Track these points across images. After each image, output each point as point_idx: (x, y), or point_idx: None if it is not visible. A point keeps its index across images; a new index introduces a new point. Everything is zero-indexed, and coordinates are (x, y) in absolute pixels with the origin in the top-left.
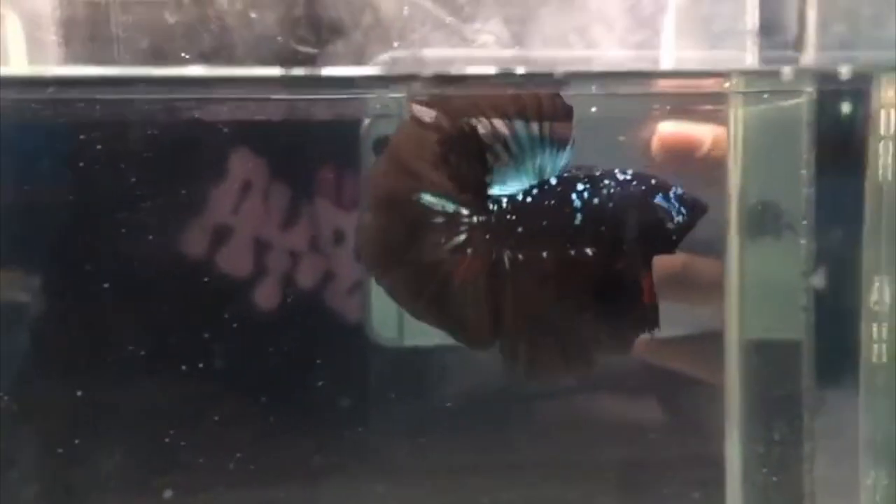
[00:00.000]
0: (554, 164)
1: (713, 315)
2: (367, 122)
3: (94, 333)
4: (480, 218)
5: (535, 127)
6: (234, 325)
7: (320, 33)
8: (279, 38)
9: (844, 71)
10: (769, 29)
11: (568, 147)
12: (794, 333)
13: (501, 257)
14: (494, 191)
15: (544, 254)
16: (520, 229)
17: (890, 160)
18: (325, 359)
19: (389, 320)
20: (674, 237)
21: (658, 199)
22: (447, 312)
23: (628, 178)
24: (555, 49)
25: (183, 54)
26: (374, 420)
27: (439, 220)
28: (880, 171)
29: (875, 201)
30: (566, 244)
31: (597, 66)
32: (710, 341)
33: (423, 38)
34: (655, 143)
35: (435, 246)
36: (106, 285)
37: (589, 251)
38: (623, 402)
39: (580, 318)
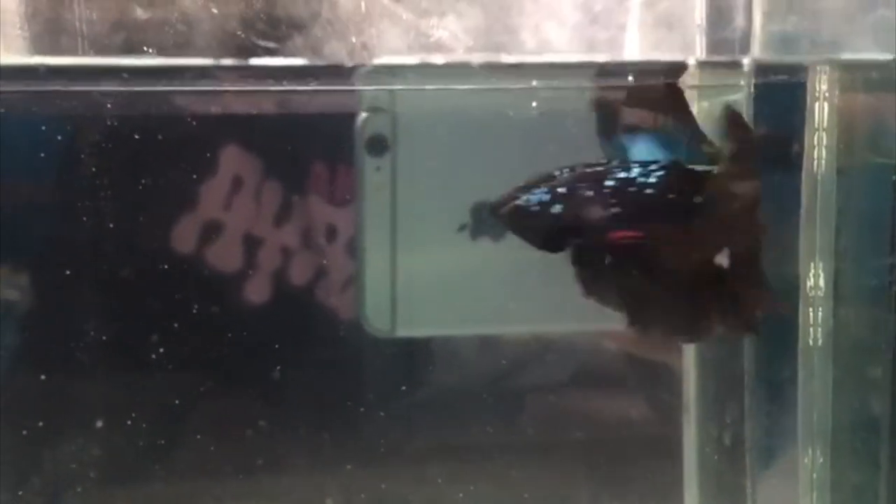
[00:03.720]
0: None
1: None
2: (361, 118)
3: (79, 326)
4: None
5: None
6: (227, 320)
7: (279, 28)
8: (239, 33)
9: (783, 64)
10: (717, 22)
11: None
12: None
13: None
14: None
15: None
16: None
17: (824, 152)
18: (320, 352)
19: (383, 312)
20: None
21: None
22: None
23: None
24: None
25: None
26: (368, 410)
27: None
28: (815, 162)
29: (810, 190)
30: None
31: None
32: None
33: (380, 32)
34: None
35: None
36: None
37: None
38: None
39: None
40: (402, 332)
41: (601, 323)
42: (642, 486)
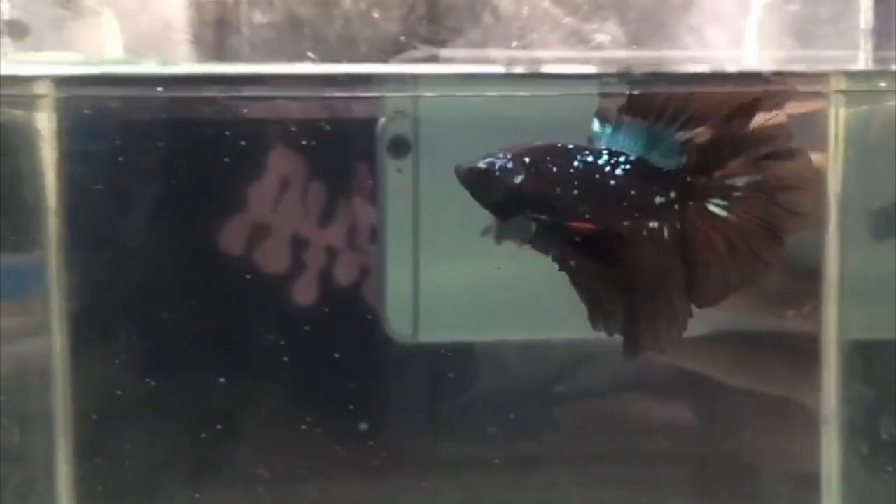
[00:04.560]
0: None
1: None
2: (382, 121)
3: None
4: None
5: None
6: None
7: (440, 33)
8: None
9: None
10: (883, 29)
11: None
12: None
13: None
14: None
15: None
16: None
17: None
18: (347, 355)
19: (405, 316)
20: None
21: None
22: None
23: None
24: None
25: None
26: (395, 415)
27: None
28: None
29: None
30: None
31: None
32: None
33: (541, 36)
34: None
35: None
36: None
37: None
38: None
39: None
40: (425, 337)
41: None
42: None
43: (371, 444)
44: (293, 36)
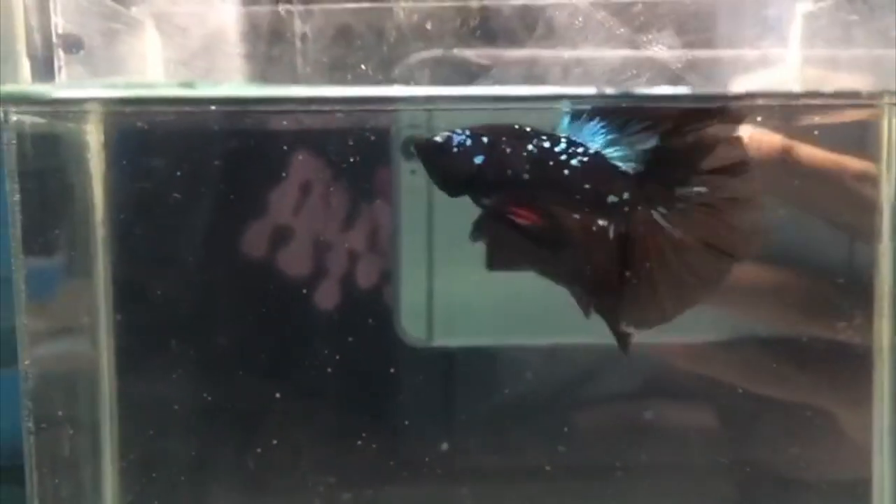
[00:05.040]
0: None
1: None
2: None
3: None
4: None
5: None
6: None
7: (494, 45)
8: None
9: None
10: None
11: None
12: None
13: None
14: None
15: None
16: None
17: None
18: (361, 359)
19: (419, 321)
20: None
21: None
22: None
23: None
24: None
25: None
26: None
27: None
28: None
29: None
30: None
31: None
32: None
33: (595, 47)
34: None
35: None
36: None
37: None
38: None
39: None
40: (440, 341)
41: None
42: None
43: (389, 448)
44: (345, 49)
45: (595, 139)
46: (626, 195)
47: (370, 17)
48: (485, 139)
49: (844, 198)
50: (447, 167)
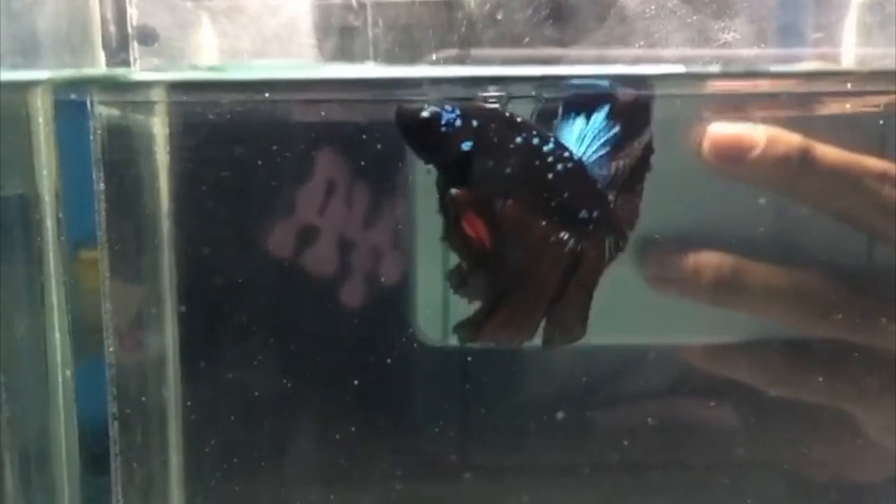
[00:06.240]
0: None
1: None
2: None
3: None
4: None
5: None
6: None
7: (566, 32)
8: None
9: None
10: None
11: None
12: None
13: None
14: None
15: None
16: None
17: None
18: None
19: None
20: None
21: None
22: None
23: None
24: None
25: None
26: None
27: None
28: None
29: None
30: None
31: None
32: None
33: (667, 34)
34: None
35: None
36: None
37: None
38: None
39: None
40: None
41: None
42: None
43: (404, 447)
44: (416, 39)
45: (582, 141)
46: (595, 214)
47: (441, 8)
48: (474, 122)
49: (865, 198)
50: (427, 143)
